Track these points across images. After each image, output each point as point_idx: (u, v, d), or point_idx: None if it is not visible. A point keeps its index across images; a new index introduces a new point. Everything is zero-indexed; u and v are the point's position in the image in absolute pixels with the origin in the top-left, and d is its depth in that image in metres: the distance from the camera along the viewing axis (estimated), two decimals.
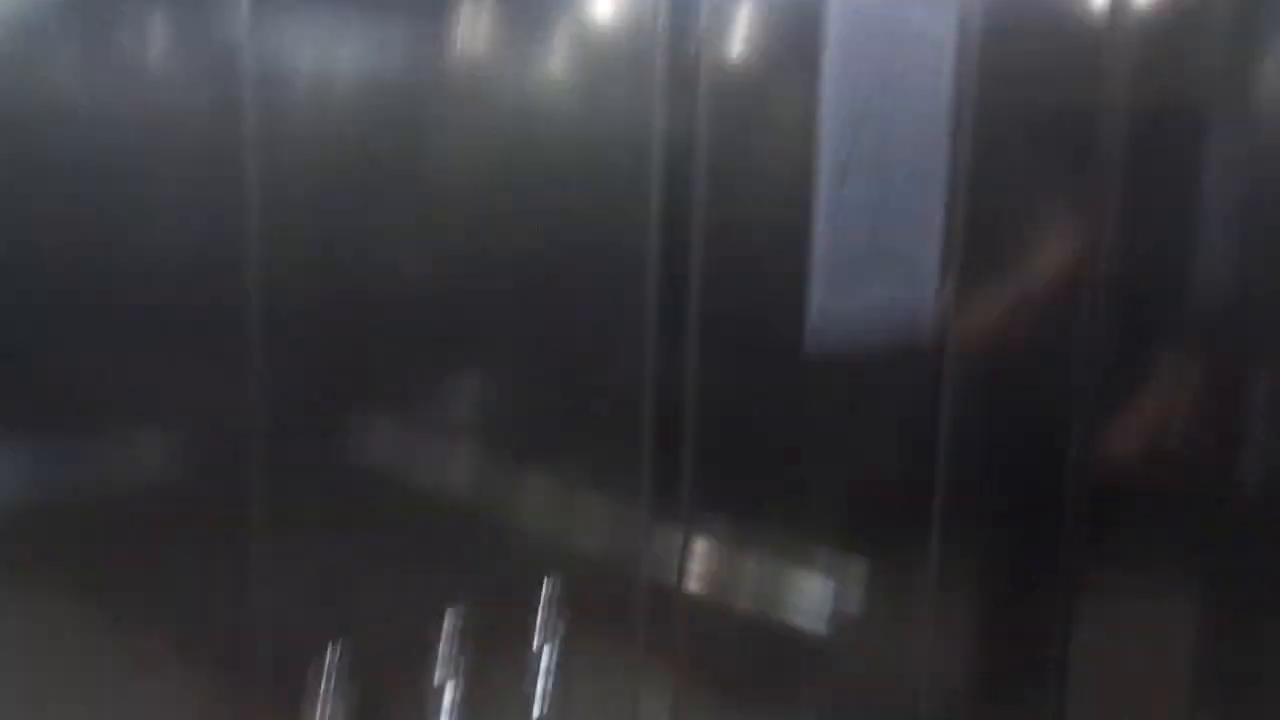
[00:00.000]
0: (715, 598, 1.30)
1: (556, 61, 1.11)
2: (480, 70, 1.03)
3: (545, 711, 1.08)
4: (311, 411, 0.98)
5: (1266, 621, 1.68)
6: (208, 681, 0.96)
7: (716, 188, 1.22)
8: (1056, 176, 1.79)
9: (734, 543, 1.31)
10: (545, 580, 1.10)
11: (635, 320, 1.17)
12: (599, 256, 1.15)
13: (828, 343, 1.31)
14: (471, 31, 1.03)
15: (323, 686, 0.95)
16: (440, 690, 1.03)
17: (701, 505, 1.24)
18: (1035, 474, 1.63)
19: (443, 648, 1.03)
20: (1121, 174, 1.78)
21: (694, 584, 1.27)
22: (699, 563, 1.27)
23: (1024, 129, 1.68)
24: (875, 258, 1.39)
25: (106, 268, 0.85)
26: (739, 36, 1.28)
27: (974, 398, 1.50)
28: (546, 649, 1.09)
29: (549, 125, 1.11)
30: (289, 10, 0.91)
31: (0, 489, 0.83)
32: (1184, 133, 1.92)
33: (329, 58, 0.95)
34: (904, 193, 1.43)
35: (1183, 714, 1.68)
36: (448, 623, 1.03)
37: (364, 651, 0.97)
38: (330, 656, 0.96)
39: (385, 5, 0.96)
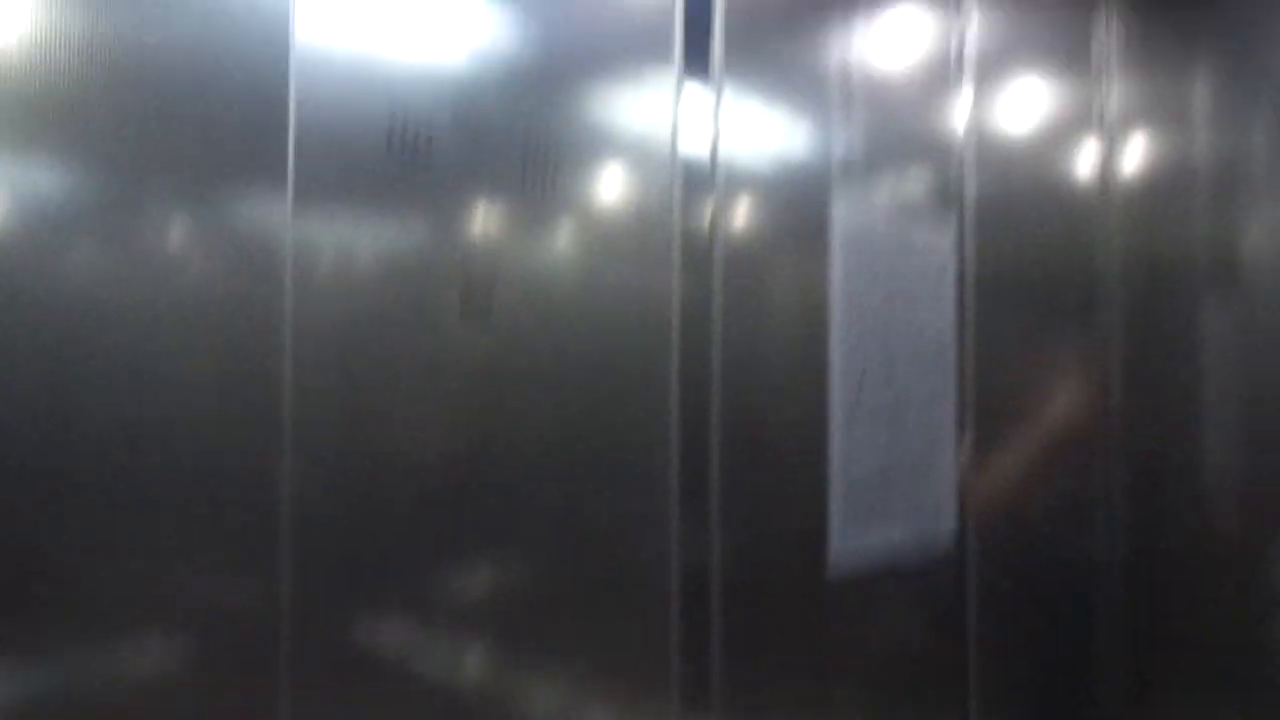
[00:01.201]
0: None
1: (576, 247, 1.13)
2: (502, 255, 1.05)
3: None
4: (337, 605, 0.97)
5: None
6: None
7: (732, 383, 1.25)
8: (1061, 349, 1.84)
9: None
10: None
11: (658, 513, 1.17)
12: (618, 452, 1.16)
13: (848, 567, 1.32)
14: (492, 219, 1.04)
15: None
16: None
17: (730, 709, 1.23)
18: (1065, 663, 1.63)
19: None
20: (1123, 336, 1.84)
21: None
22: None
23: (1027, 303, 1.73)
24: (892, 479, 1.42)
25: (135, 461, 0.85)
26: (752, 220, 1.31)
27: (997, 599, 1.52)
28: None
29: (569, 310, 1.12)
30: (327, 214, 0.93)
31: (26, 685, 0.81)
32: (1176, 291, 1.99)
33: (360, 252, 0.96)
34: (917, 404, 1.46)
35: None
36: None
37: None
38: None
39: (410, 197, 0.98)
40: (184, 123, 0.85)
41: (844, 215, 1.40)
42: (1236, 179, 2.09)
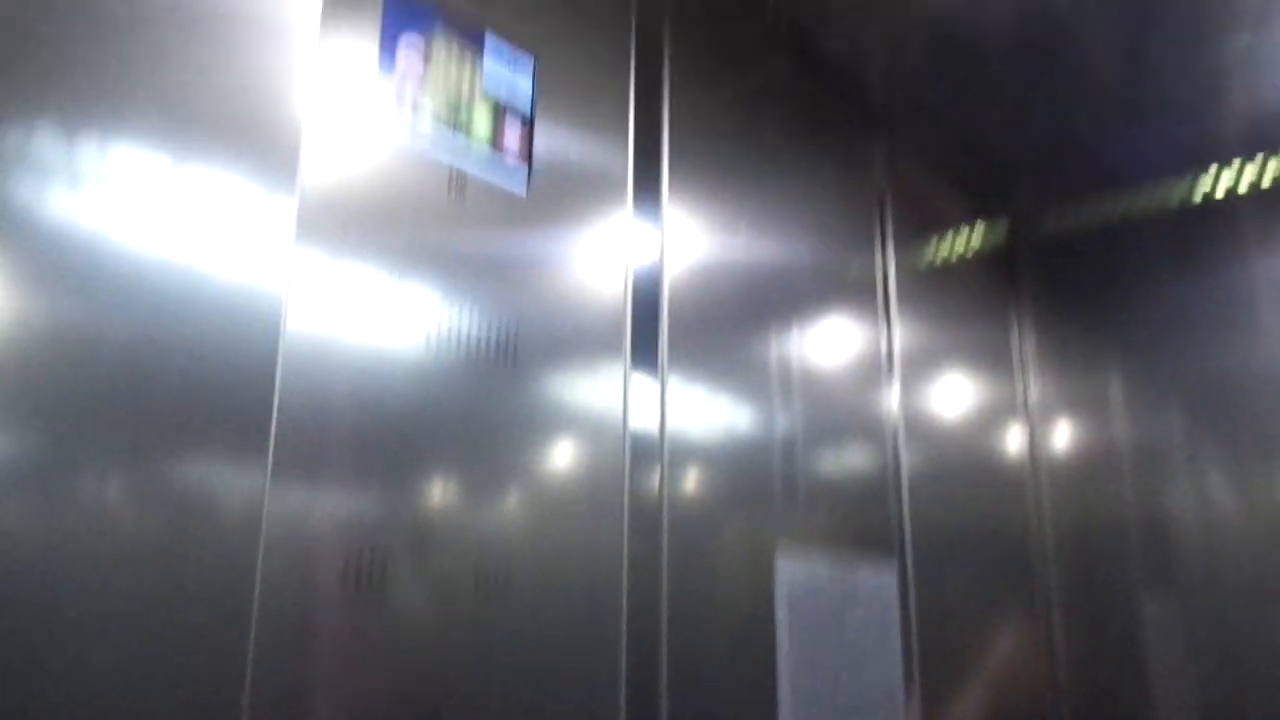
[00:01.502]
0: None
1: (530, 509, 1.27)
2: (453, 520, 1.18)
3: None
4: None
5: None
6: None
7: (679, 635, 1.36)
8: (1003, 616, 1.96)
9: None
10: None
11: None
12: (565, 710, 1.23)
13: None
14: (446, 488, 1.19)
15: None
16: None
17: None
18: None
19: None
20: (1062, 614, 1.96)
21: None
22: None
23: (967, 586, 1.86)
24: None
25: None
26: (696, 487, 1.48)
27: None
28: None
29: (524, 567, 1.24)
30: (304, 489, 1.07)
31: None
32: (1109, 557, 2.14)
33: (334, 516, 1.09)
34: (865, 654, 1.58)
35: None
36: None
37: None
38: None
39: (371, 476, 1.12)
40: (174, 401, 0.95)
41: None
42: (1157, 458, 2.28)
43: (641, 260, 1.48)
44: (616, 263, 1.45)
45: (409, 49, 1.24)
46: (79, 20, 0.93)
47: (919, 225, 2.23)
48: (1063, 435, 2.37)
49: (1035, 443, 2.36)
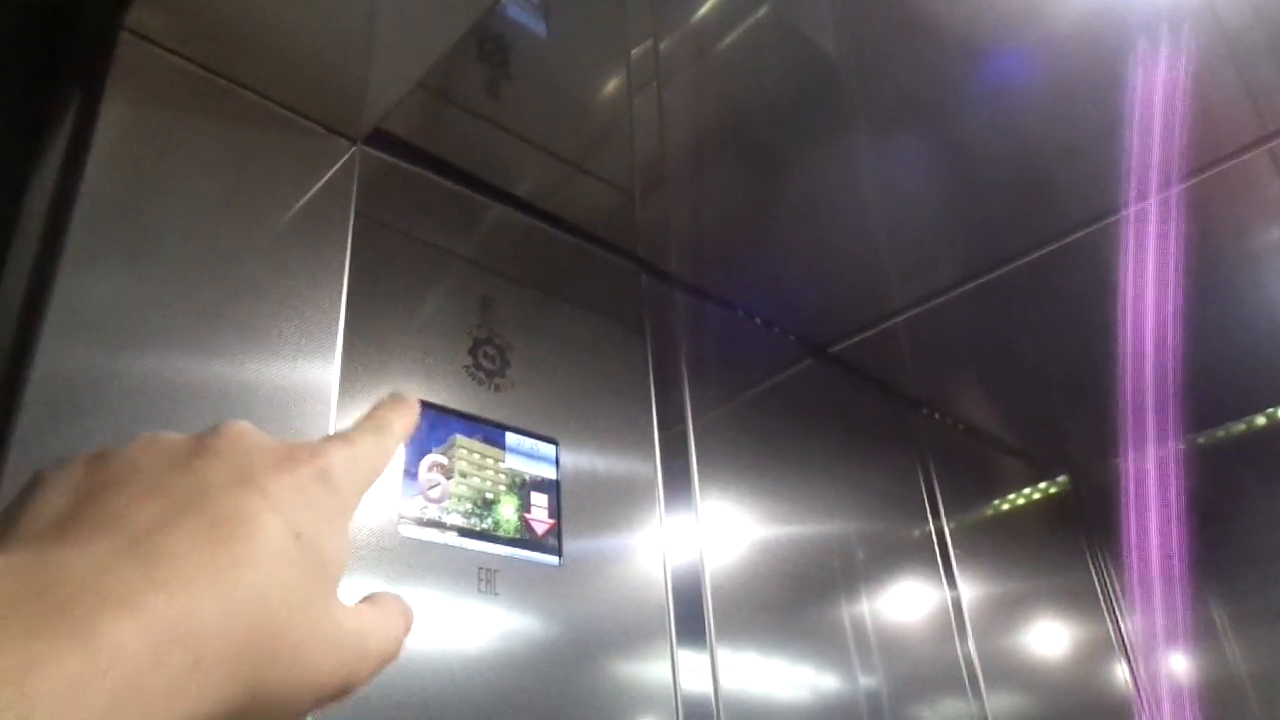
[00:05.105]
0: None
1: None
2: None
3: None
4: None
5: None
6: None
7: None
8: None
9: None
10: None
11: None
12: None
13: None
14: None
15: None
16: None
17: None
18: None
19: None
20: None
21: None
22: None
23: None
24: None
25: None
26: None
27: None
28: None
29: None
30: None
31: None
32: None
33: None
34: None
35: None
36: None
37: None
38: None
39: None
40: None
41: None
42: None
43: (682, 556, 1.73)
44: (655, 565, 1.70)
45: (431, 464, 1.44)
46: None
47: (971, 483, 2.39)
48: (1174, 668, 2.34)
49: (1140, 679, 2.33)
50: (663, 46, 1.63)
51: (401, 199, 1.56)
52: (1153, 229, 1.94)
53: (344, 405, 1.30)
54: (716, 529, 1.81)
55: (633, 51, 1.65)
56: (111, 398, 1.05)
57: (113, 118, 1.17)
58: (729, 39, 1.60)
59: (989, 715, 2.00)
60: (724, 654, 1.68)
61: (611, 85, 1.69)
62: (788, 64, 1.63)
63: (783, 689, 1.74)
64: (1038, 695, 2.14)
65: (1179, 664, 2.34)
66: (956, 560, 2.19)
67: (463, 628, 1.36)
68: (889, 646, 1.94)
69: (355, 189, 1.40)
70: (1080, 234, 1.97)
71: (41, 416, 0.99)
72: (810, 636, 1.84)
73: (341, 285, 1.32)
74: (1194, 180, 1.83)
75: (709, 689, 1.63)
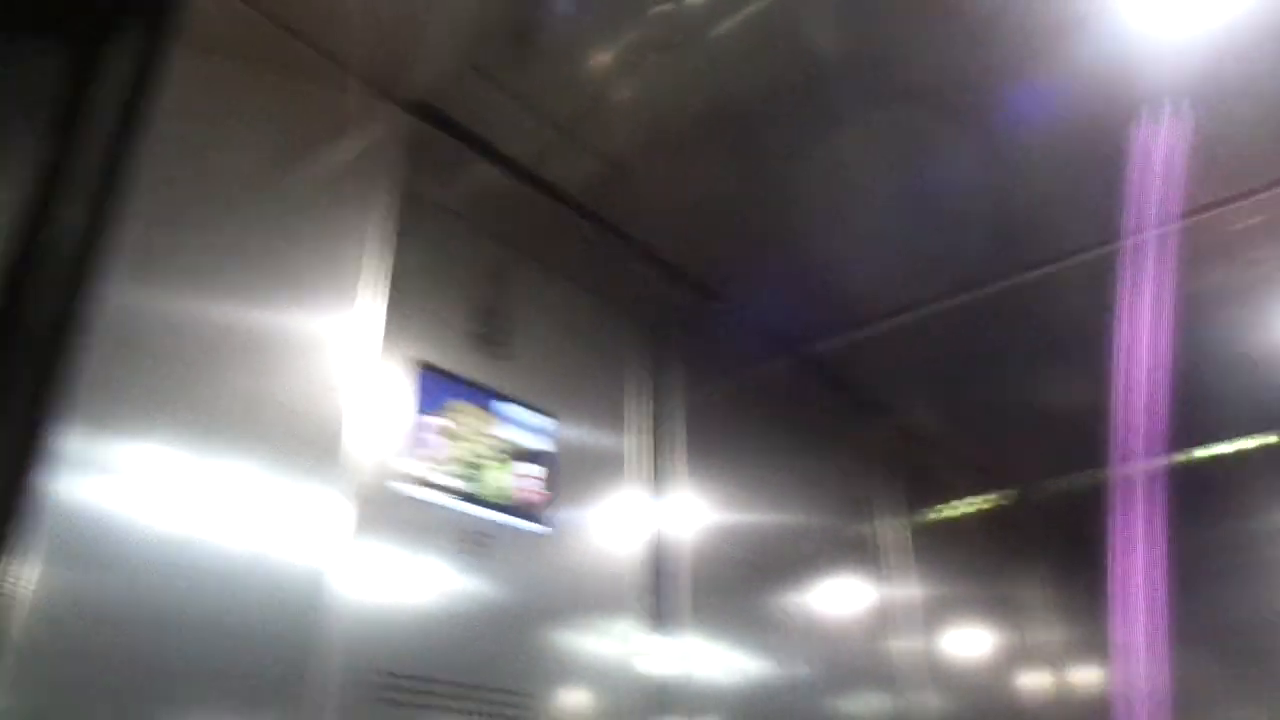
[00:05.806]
0: None
1: None
2: None
3: None
4: None
5: None
6: None
7: None
8: None
9: None
10: None
11: None
12: None
13: None
14: None
15: None
16: None
17: None
18: None
19: None
20: None
21: None
22: None
23: None
24: None
25: None
26: None
27: None
28: None
29: None
30: None
31: None
32: None
33: None
34: None
35: None
36: None
37: None
38: None
39: None
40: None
41: None
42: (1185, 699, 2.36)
43: (664, 533, 1.81)
44: (639, 538, 1.77)
45: (432, 428, 1.49)
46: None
47: (920, 492, 2.52)
48: (1086, 678, 2.50)
49: (1056, 685, 2.49)
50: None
51: (434, 168, 1.59)
52: (1126, 269, 2.06)
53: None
54: (692, 510, 1.89)
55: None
56: (169, 338, 1.08)
57: (184, 61, 1.19)
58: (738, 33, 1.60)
59: (908, 709, 2.13)
60: (696, 627, 1.76)
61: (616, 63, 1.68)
62: (788, 64, 1.65)
63: (746, 665, 1.84)
64: (956, 695, 2.28)
65: (1107, 674, 2.50)
66: (891, 561, 2.31)
67: (451, 587, 1.41)
68: (816, 635, 2.05)
69: (399, 154, 1.43)
70: (1056, 266, 2.08)
71: (108, 351, 1.02)
72: (764, 615, 1.94)
73: (386, 246, 1.35)
74: (1166, 228, 1.94)
75: (683, 655, 1.72)
